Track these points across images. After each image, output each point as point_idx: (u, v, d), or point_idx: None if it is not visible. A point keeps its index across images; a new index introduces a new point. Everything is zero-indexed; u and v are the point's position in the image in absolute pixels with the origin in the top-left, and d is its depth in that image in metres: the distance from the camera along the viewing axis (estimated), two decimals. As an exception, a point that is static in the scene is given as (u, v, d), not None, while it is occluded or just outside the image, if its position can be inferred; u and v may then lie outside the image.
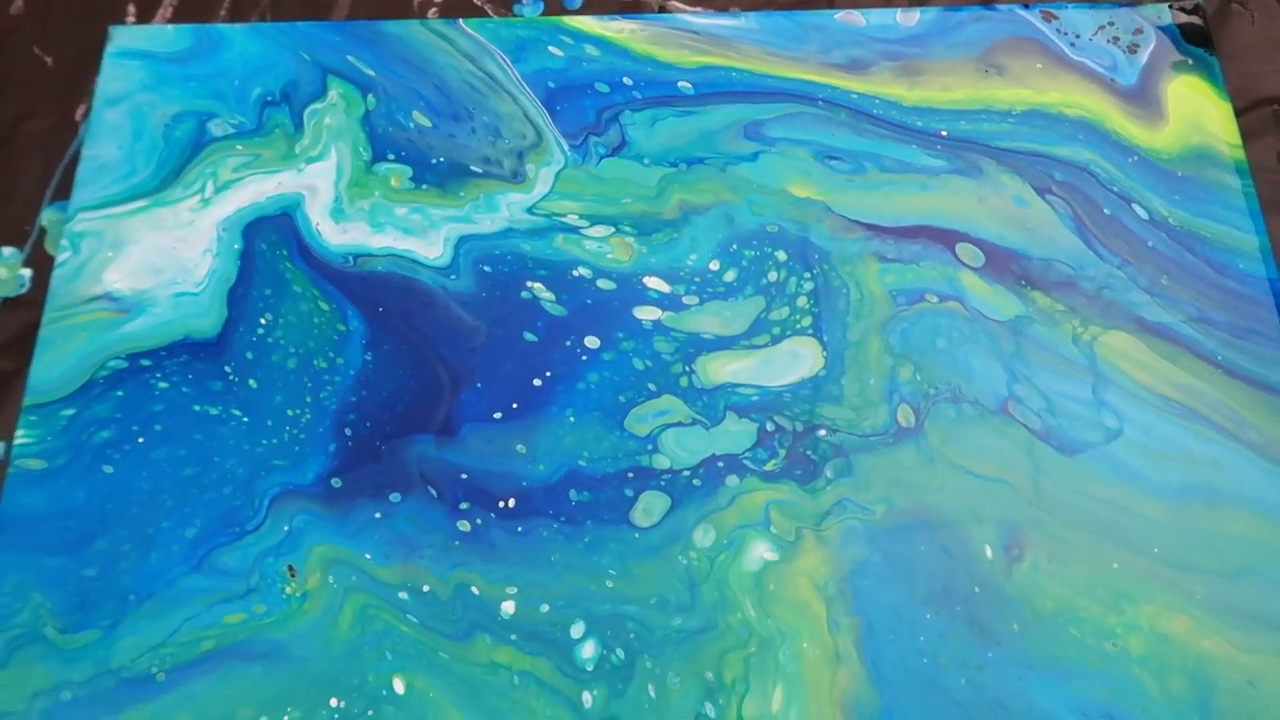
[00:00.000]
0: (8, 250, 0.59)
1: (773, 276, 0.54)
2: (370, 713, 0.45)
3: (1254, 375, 0.51)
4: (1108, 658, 0.46)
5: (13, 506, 0.49)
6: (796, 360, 0.52)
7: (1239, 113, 0.62)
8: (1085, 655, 0.46)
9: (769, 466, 0.50)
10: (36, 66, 0.65)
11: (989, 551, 0.48)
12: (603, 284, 0.54)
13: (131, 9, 0.66)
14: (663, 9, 0.65)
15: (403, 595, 0.47)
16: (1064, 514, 0.48)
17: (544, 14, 0.65)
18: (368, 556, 0.48)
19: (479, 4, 0.66)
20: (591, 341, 0.52)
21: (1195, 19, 0.60)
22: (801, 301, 0.53)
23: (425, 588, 0.48)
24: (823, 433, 0.50)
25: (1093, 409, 0.51)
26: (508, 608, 0.47)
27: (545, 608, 0.47)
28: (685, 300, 0.53)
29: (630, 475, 0.50)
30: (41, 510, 0.49)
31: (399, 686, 0.46)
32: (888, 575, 0.47)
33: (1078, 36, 0.60)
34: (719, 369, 0.52)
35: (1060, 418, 0.50)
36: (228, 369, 0.52)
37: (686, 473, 0.50)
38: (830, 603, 0.47)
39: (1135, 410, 0.50)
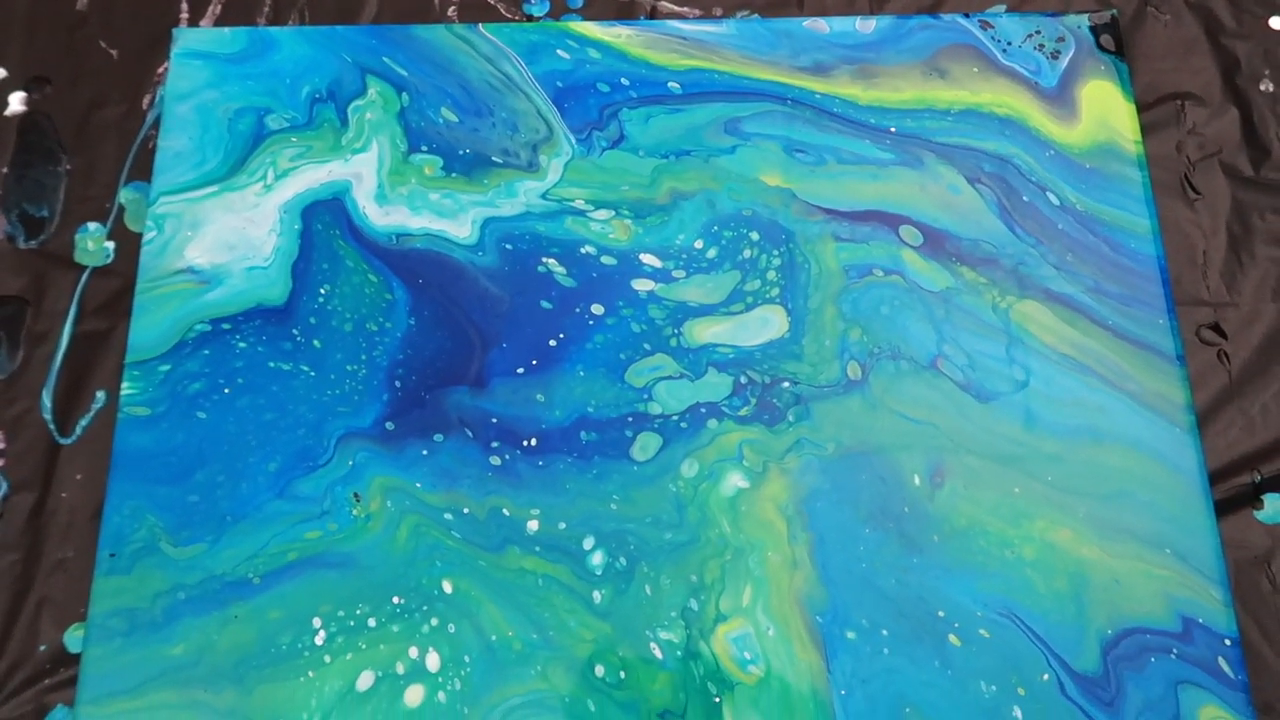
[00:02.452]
0: (93, 225, 0.69)
1: (747, 254, 0.64)
2: (425, 608, 0.57)
3: (1137, 337, 0.62)
4: (1007, 562, 0.58)
5: (125, 446, 0.60)
6: (766, 324, 0.63)
7: (1148, 106, 0.72)
8: (989, 560, 0.58)
9: (742, 412, 0.61)
10: (103, 58, 0.73)
11: (917, 480, 0.59)
12: (605, 260, 0.64)
13: (184, 7, 0.75)
14: (654, 10, 0.74)
15: (448, 516, 0.59)
16: (978, 449, 0.60)
17: (549, 13, 0.74)
18: (418, 485, 0.59)
19: (493, 3, 0.76)
20: (597, 309, 0.63)
21: (1109, 30, 0.70)
22: (771, 275, 0.64)
23: (465, 510, 0.59)
24: (786, 384, 0.62)
25: (1005, 365, 0.62)
26: (532, 525, 0.59)
27: (562, 525, 0.59)
28: (674, 274, 0.64)
29: (630, 419, 0.61)
30: (149, 449, 0.60)
31: (447, 587, 0.57)
32: (836, 499, 0.59)
33: (1009, 44, 0.69)
34: (702, 331, 0.63)
35: (979, 372, 0.62)
36: (295, 332, 0.62)
37: (675, 417, 0.61)
38: (790, 521, 0.59)
39: (1040, 365, 0.62)
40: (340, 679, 0.55)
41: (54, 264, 0.68)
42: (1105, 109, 0.68)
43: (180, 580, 0.57)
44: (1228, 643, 0.56)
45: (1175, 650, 0.56)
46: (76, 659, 0.59)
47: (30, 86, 0.72)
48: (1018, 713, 0.55)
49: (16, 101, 0.72)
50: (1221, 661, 0.56)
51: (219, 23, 0.74)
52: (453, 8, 0.75)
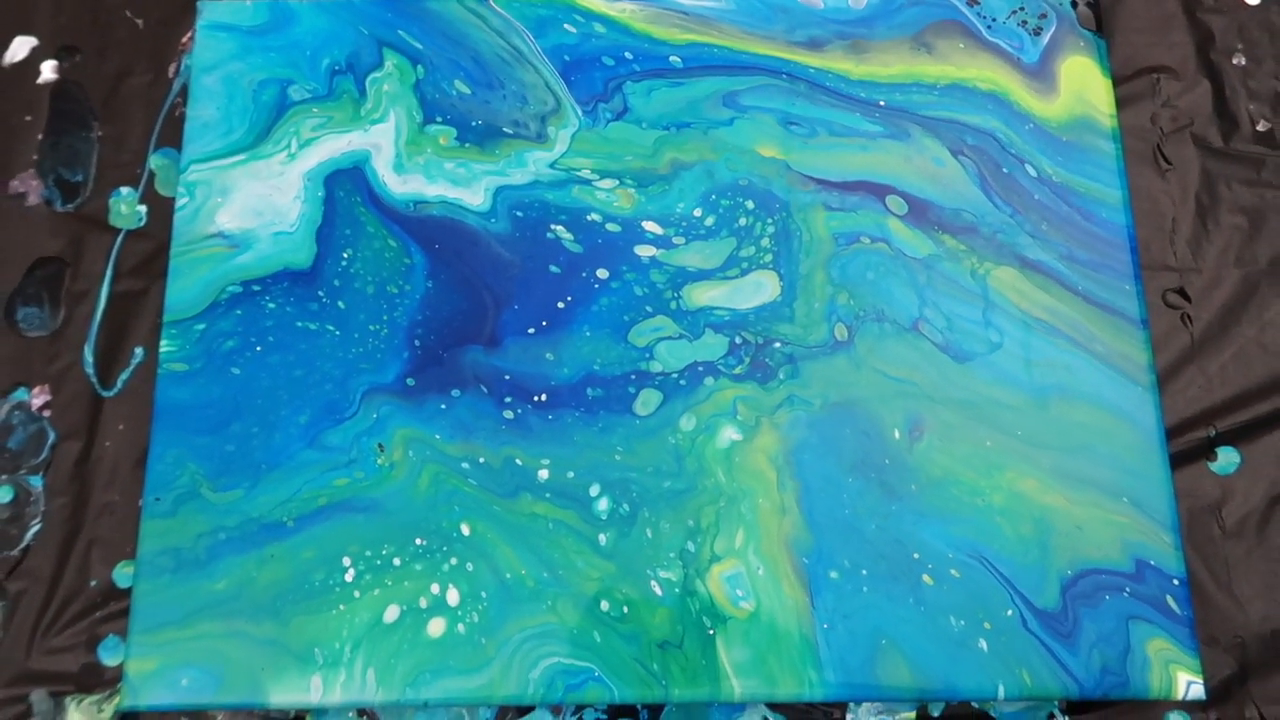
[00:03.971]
0: (125, 190, 0.73)
1: (743, 221, 0.69)
2: (445, 548, 0.62)
3: (1104, 301, 0.67)
4: (977, 509, 0.63)
5: (165, 399, 0.64)
6: (760, 288, 0.67)
7: (1125, 79, 0.76)
8: (961, 508, 0.63)
9: (737, 370, 0.66)
10: (129, 28, 0.77)
11: (897, 434, 0.64)
12: (610, 227, 0.68)
13: (205, -23, 0.78)
14: (656, -16, 0.77)
15: (465, 465, 0.63)
16: (954, 406, 0.65)
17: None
18: (437, 436, 0.64)
19: (501, -26, 0.78)
20: (602, 273, 0.67)
21: (1089, 7, 0.74)
22: (765, 242, 0.68)
23: (481, 459, 0.64)
24: (778, 345, 0.66)
25: (981, 327, 0.66)
26: (543, 474, 0.63)
27: (571, 474, 0.63)
28: (674, 240, 0.68)
29: (633, 376, 0.65)
30: (188, 402, 0.64)
31: (465, 530, 0.62)
32: (822, 451, 0.64)
33: (994, 20, 0.73)
34: (700, 295, 0.67)
35: (957, 333, 0.66)
36: (320, 293, 0.67)
37: (675, 375, 0.65)
38: (779, 471, 0.64)
39: (1013, 328, 0.66)
40: (369, 612, 0.61)
41: (90, 226, 0.72)
42: (1083, 84, 0.72)
43: (221, 523, 0.62)
44: (1176, 583, 0.62)
45: (1128, 589, 0.61)
46: (125, 593, 0.64)
47: (61, 55, 0.76)
48: (983, 645, 0.60)
49: (48, 70, 0.75)
50: (1170, 600, 0.61)
51: (239, -7, 0.77)
52: (463, -21, 0.78)
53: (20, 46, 0.76)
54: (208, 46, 0.72)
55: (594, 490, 0.63)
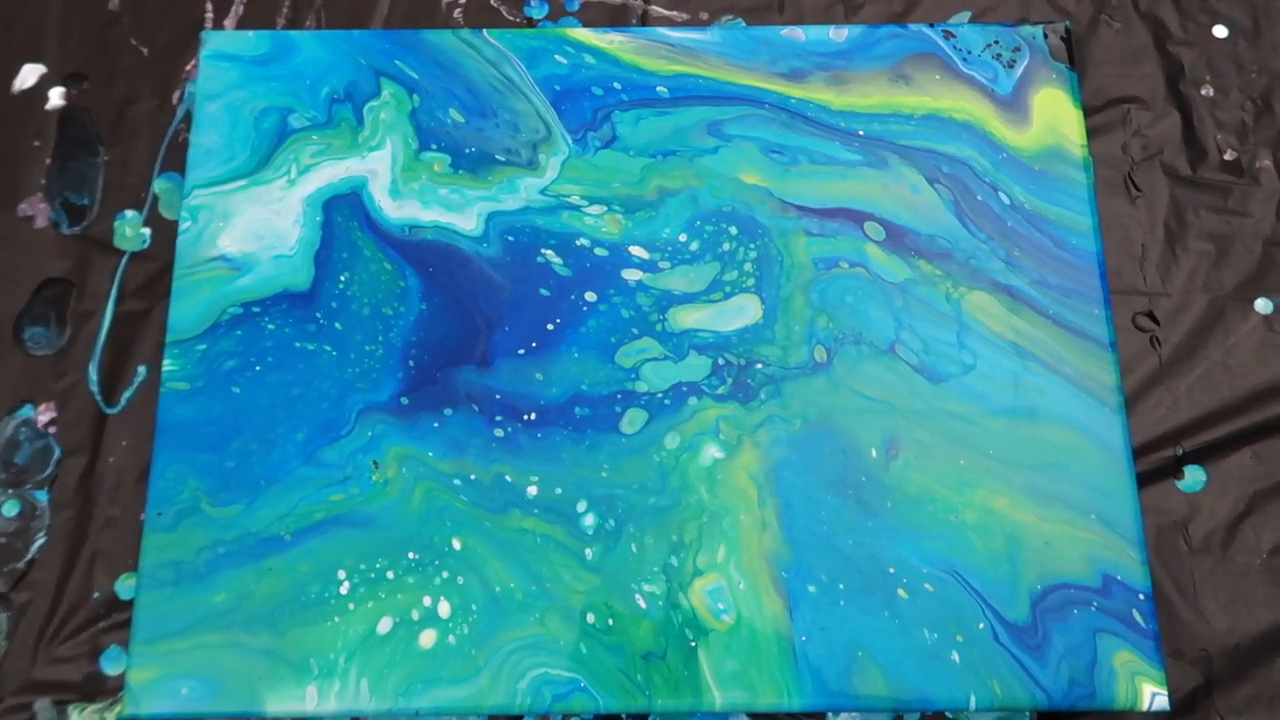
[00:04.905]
0: (130, 213, 0.75)
1: (726, 246, 0.71)
2: (436, 562, 0.64)
3: (1074, 325, 0.69)
4: (951, 526, 0.65)
5: (168, 417, 0.66)
6: (742, 311, 0.70)
7: (1097, 109, 0.78)
8: (936, 524, 0.65)
9: (719, 391, 0.68)
10: (135, 57, 0.79)
11: (874, 453, 0.67)
12: (598, 251, 0.71)
13: (209, 7, 0.81)
14: (645, 14, 0.80)
15: (456, 481, 0.66)
16: (929, 426, 0.67)
17: (548, 15, 0.80)
18: (430, 454, 0.66)
19: (495, 4, 0.81)
20: (590, 296, 0.70)
21: (1061, 40, 0.76)
22: (747, 266, 0.71)
23: (472, 476, 0.66)
24: (759, 366, 0.68)
25: (955, 349, 0.69)
26: (532, 490, 0.66)
27: (558, 491, 0.66)
28: (660, 265, 0.70)
29: (619, 396, 0.67)
30: (189, 419, 0.66)
31: (456, 544, 0.64)
32: (801, 469, 0.66)
33: (969, 52, 0.76)
34: (685, 317, 0.69)
35: (932, 356, 0.69)
36: (318, 315, 0.69)
37: (660, 395, 0.67)
38: (760, 488, 0.66)
39: (986, 351, 0.69)
40: (363, 624, 0.63)
41: (95, 248, 0.74)
42: (1055, 115, 0.74)
43: (220, 537, 0.64)
44: (1142, 597, 0.64)
45: (1095, 603, 0.64)
46: (127, 605, 0.67)
47: (68, 82, 0.78)
48: (956, 657, 0.62)
49: (56, 96, 0.78)
50: (1135, 614, 0.63)
51: (241, 23, 0.80)
52: (458, 9, 0.81)
53: (29, 74, 0.78)
54: (211, 75, 0.74)
55: (581, 506, 0.65)
